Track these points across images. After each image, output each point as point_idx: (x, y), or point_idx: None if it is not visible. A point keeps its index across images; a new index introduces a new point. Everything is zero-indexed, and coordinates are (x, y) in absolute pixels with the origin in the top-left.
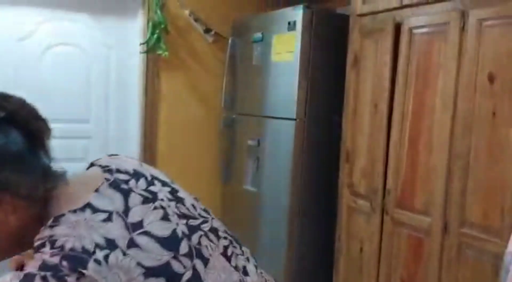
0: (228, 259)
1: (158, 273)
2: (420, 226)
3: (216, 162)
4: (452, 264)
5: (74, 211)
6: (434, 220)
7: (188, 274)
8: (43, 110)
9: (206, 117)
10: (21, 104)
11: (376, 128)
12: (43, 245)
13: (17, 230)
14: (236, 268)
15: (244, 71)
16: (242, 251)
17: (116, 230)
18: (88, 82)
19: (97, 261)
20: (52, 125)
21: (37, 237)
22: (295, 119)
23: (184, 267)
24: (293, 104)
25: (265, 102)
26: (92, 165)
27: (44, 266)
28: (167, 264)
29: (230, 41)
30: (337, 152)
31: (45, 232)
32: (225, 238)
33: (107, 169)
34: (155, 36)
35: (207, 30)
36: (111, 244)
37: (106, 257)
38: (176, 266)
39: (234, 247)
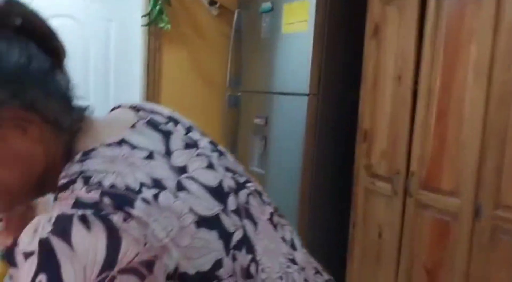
0: (274, 227)
1: (211, 225)
2: (448, 209)
3: (220, 142)
4: (484, 251)
5: (108, 145)
6: (463, 202)
7: (238, 234)
8: None
9: (210, 95)
10: (39, 18)
11: (399, 104)
12: (72, 182)
13: (43, 166)
14: (283, 239)
15: (251, 46)
16: (287, 222)
17: (161, 170)
18: (87, 58)
19: (146, 200)
20: None
21: (63, 174)
22: (308, 95)
23: (234, 225)
24: (306, 79)
25: (274, 77)
26: (117, 107)
27: (80, 204)
28: (218, 217)
29: (236, 13)
30: (354, 131)
31: (74, 168)
32: (269, 204)
33: (139, 108)
34: (157, 8)
35: (212, 2)
36: (158, 184)
37: (155, 197)
38: (226, 222)
39: (279, 216)
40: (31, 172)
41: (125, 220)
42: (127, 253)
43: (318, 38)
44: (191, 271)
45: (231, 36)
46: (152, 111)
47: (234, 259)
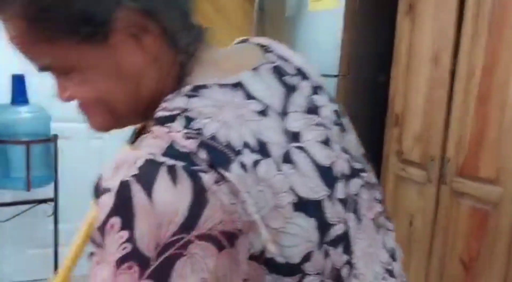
0: (377, 230)
1: (310, 211)
2: (487, 197)
3: None
4: None
5: (222, 86)
6: (506, 189)
7: (338, 229)
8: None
9: None
10: None
11: (436, 86)
12: (172, 119)
13: (152, 90)
14: (384, 245)
15: (275, 25)
16: (392, 228)
17: (272, 132)
18: None
19: (243, 166)
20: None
21: (164, 105)
22: (337, 76)
23: (337, 217)
24: (335, 59)
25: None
26: (244, 40)
27: (173, 151)
28: (320, 204)
29: None
30: (383, 114)
31: (178, 101)
32: (380, 201)
33: (269, 49)
34: None
35: None
36: (263, 149)
37: (255, 164)
38: (328, 211)
39: (386, 219)
40: (139, 92)
41: (216, 182)
42: (210, 218)
43: (349, 16)
44: (280, 260)
45: (254, 15)
46: (281, 57)
47: (326, 255)
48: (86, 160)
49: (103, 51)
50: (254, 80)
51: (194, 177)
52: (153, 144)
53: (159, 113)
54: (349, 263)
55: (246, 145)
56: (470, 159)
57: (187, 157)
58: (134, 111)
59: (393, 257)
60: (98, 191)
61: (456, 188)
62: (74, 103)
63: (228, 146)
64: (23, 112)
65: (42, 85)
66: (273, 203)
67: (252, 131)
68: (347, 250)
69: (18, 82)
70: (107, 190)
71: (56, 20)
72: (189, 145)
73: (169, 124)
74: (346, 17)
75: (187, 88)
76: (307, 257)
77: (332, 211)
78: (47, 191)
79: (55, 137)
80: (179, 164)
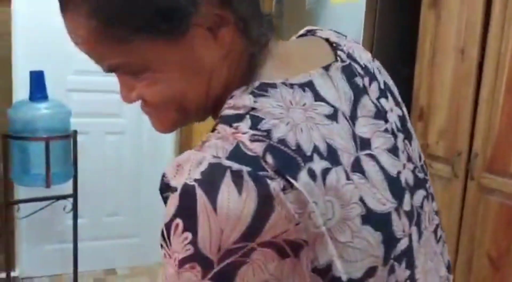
0: (437, 242)
1: (378, 224)
2: None
3: None
4: None
5: (291, 86)
6: None
7: (404, 243)
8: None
9: None
10: None
11: (462, 80)
12: (238, 118)
13: (224, 84)
14: (443, 259)
15: (294, 19)
16: (446, 239)
17: (341, 138)
18: None
19: (312, 174)
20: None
21: (230, 102)
22: None
23: (403, 230)
24: None
25: None
26: (308, 33)
27: (239, 155)
28: (389, 216)
29: None
30: (408, 108)
31: (245, 99)
32: (437, 213)
33: (338, 46)
34: None
35: None
36: (333, 156)
37: (325, 172)
38: (395, 224)
39: (443, 231)
40: (210, 88)
41: (283, 189)
42: (274, 227)
43: (371, 8)
44: (344, 277)
45: (272, 10)
46: (350, 56)
47: (391, 271)
48: (104, 155)
49: (179, 47)
50: (324, 81)
51: (260, 183)
52: (217, 145)
53: (225, 111)
54: (412, 279)
55: (315, 151)
56: (498, 154)
57: (253, 161)
58: (203, 108)
59: (449, 269)
60: (164, 188)
61: (484, 184)
62: (134, 103)
63: (297, 151)
64: (42, 108)
65: (60, 81)
66: (341, 215)
67: (322, 136)
68: (410, 265)
69: (37, 79)
70: (173, 189)
71: (135, 18)
72: (255, 148)
73: (235, 124)
74: (368, 9)
75: (254, 86)
76: (370, 273)
77: (399, 224)
78: (65, 187)
79: (75, 133)
80: (245, 169)
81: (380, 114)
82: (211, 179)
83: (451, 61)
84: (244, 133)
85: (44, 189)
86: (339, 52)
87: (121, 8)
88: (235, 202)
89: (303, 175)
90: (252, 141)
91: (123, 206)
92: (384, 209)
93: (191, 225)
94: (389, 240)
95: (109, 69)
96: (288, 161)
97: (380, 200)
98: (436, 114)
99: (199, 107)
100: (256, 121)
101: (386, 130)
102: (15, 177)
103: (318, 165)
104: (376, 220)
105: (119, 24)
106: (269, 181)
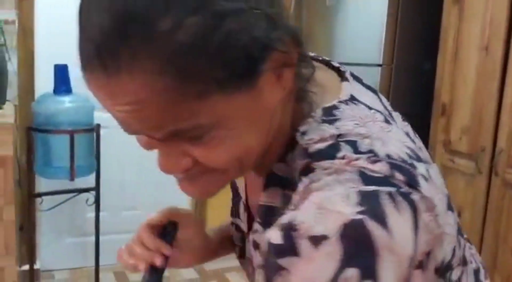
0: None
1: (450, 205)
2: None
3: None
4: None
5: (346, 102)
6: None
7: (456, 217)
8: None
9: None
10: None
11: (486, 75)
12: (336, 149)
13: (279, 124)
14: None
15: (314, 14)
16: None
17: (404, 137)
18: None
19: (424, 177)
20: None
21: (307, 138)
22: (381, 66)
23: (459, 241)
24: (379, 48)
25: (342, 47)
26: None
27: (372, 178)
28: (450, 198)
29: None
30: (428, 104)
31: (321, 129)
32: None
33: (325, 59)
34: None
35: None
36: (418, 156)
37: (428, 173)
38: (452, 203)
39: (471, 245)
40: (269, 135)
41: (422, 198)
42: (422, 242)
43: (393, 3)
44: (442, 264)
45: (292, 4)
46: (352, 74)
47: (460, 245)
48: (126, 149)
49: (250, 96)
50: (357, 91)
51: (409, 200)
52: (339, 180)
53: (312, 147)
54: (468, 243)
55: (409, 156)
56: None
57: (387, 182)
58: (259, 159)
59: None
60: (293, 244)
61: (508, 180)
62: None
63: (403, 161)
64: (66, 102)
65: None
66: (443, 208)
67: (400, 141)
68: (461, 233)
69: (61, 72)
70: (321, 238)
71: (216, 67)
72: (381, 169)
73: (339, 154)
74: (390, 3)
75: (318, 113)
76: (453, 252)
77: (452, 203)
78: (88, 180)
79: (98, 127)
80: (392, 190)
81: (389, 110)
82: (373, 206)
83: (474, 57)
84: (356, 160)
85: (65, 182)
86: (334, 63)
87: (201, 57)
88: (402, 224)
89: (422, 181)
90: (371, 162)
91: (143, 200)
92: (446, 191)
93: (370, 267)
94: (455, 219)
95: (166, 137)
96: (408, 172)
97: (444, 184)
98: (459, 110)
99: (257, 160)
100: (354, 145)
101: (404, 119)
102: (39, 169)
103: (422, 168)
104: (450, 201)
105: (198, 77)
106: (412, 196)
